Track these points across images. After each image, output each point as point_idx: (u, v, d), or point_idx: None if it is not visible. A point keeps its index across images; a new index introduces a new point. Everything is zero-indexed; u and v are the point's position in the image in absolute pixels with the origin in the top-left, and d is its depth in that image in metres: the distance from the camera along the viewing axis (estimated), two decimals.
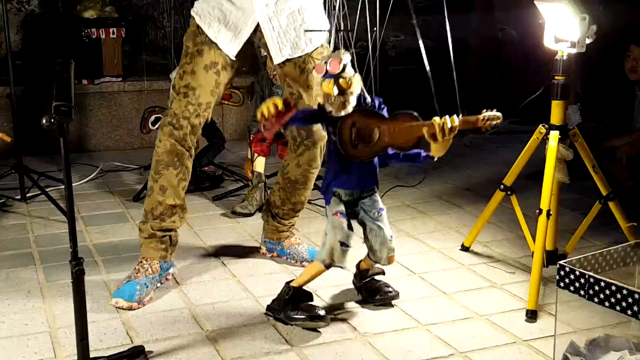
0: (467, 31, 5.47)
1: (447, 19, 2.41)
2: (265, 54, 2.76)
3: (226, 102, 4.05)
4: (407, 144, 2.31)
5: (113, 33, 4.80)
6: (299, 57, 2.62)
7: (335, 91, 2.25)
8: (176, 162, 2.59)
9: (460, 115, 2.27)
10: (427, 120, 2.26)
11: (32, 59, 4.85)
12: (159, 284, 2.62)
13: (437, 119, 2.24)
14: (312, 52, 2.63)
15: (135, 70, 5.05)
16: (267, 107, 2.20)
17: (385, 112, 2.35)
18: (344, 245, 2.33)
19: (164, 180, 2.59)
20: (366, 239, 2.44)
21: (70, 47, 4.72)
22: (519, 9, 4.46)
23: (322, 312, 2.37)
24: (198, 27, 2.57)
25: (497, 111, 2.27)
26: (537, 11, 2.60)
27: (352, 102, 2.29)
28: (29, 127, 3.76)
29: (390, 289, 2.54)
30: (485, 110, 2.28)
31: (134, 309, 2.49)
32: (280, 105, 2.20)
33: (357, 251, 2.56)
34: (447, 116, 2.23)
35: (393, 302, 2.56)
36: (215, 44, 2.55)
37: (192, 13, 2.62)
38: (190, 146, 2.61)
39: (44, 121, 1.80)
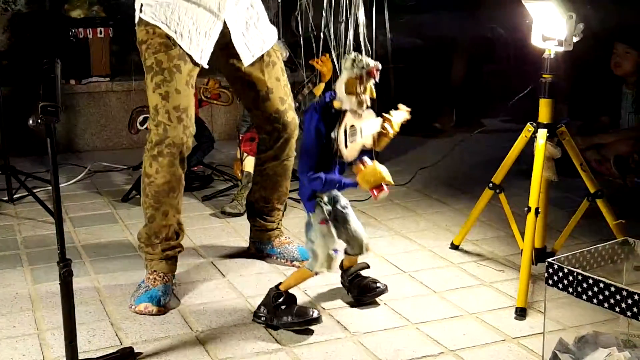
0: (456, 29, 5.49)
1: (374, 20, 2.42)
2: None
3: (215, 102, 4.04)
4: (372, 140, 2.32)
5: (101, 33, 4.77)
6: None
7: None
8: (175, 186, 2.52)
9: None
10: (381, 116, 2.32)
11: (19, 58, 4.83)
12: (172, 291, 2.59)
13: (385, 114, 2.32)
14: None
15: (123, 70, 5.02)
16: (381, 175, 2.20)
17: None
18: (336, 251, 2.32)
19: (166, 206, 2.53)
20: (341, 234, 2.40)
21: (58, 46, 4.69)
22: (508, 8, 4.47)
23: (316, 314, 2.35)
24: (167, 37, 2.43)
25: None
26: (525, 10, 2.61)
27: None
28: (16, 127, 3.73)
29: (378, 284, 2.55)
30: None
31: (162, 314, 2.47)
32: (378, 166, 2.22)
33: None
34: (392, 111, 2.33)
35: (383, 300, 2.56)
36: (188, 55, 2.46)
37: (153, 21, 2.43)
38: (185, 164, 2.55)
39: (31, 122, 1.79)
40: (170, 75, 2.44)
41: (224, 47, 2.56)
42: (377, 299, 2.57)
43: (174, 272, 2.63)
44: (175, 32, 2.44)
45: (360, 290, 2.54)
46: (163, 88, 2.44)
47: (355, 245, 2.45)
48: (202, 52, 2.48)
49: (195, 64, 2.50)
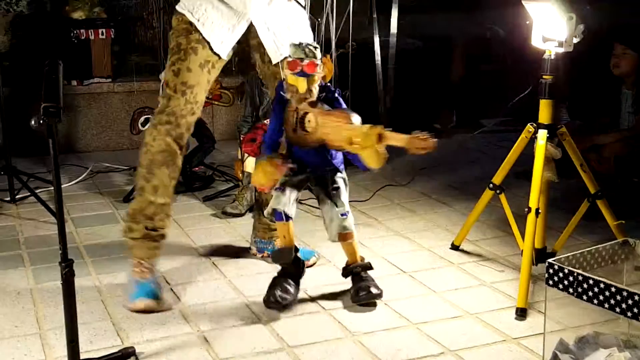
0: (456, 30, 5.49)
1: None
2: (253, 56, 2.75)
3: (216, 103, 4.05)
4: (335, 143, 2.33)
5: (102, 34, 4.79)
6: None
7: (304, 89, 2.31)
8: (169, 161, 2.57)
9: (390, 130, 2.23)
10: (355, 125, 2.26)
11: (21, 60, 4.83)
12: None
13: (363, 126, 2.24)
14: None
15: (124, 71, 5.04)
16: (261, 177, 2.37)
17: (339, 104, 2.40)
18: (277, 188, 2.45)
19: (157, 179, 2.57)
20: (324, 215, 2.51)
21: (59, 48, 4.70)
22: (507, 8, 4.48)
23: (280, 297, 2.48)
24: (190, 23, 2.55)
25: (429, 135, 2.14)
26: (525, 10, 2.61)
27: (312, 98, 2.35)
28: (18, 128, 3.74)
29: (372, 288, 2.54)
30: (416, 131, 2.16)
31: (161, 308, 2.49)
32: (270, 170, 2.37)
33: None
34: (374, 127, 2.21)
35: (383, 301, 2.57)
36: (208, 43, 2.54)
37: (181, 10, 2.57)
38: (183, 144, 2.60)
39: (33, 122, 1.80)
40: (186, 55, 2.54)
41: (258, 46, 2.64)
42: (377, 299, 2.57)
43: (156, 257, 2.63)
44: (198, 20, 2.54)
45: (356, 291, 2.55)
46: (177, 65, 2.55)
47: (328, 231, 2.51)
48: (221, 43, 2.56)
49: (216, 54, 2.56)
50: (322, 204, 2.50)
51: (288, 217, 2.48)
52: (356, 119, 2.28)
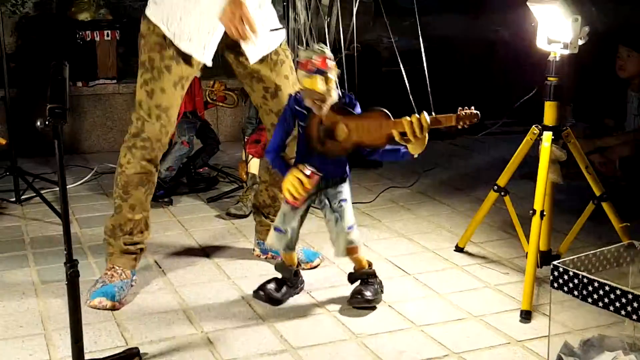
0: (460, 32, 5.49)
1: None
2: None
3: (220, 104, 4.05)
4: (376, 142, 2.32)
5: (107, 35, 4.80)
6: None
7: (322, 87, 2.27)
8: (145, 180, 2.59)
9: (432, 114, 2.25)
10: (397, 119, 2.26)
11: (26, 61, 4.85)
12: (130, 287, 2.63)
13: (407, 117, 2.24)
14: (280, 43, 2.67)
15: (129, 72, 5.04)
16: (294, 187, 2.31)
17: (357, 109, 2.38)
18: (277, 229, 2.48)
19: (134, 199, 2.59)
20: (330, 232, 2.50)
21: (65, 49, 4.71)
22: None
23: (269, 290, 2.55)
24: (164, 37, 2.48)
25: (474, 109, 2.25)
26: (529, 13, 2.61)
27: (332, 99, 2.32)
28: (23, 129, 3.76)
29: (367, 293, 2.52)
30: (461, 108, 2.24)
31: (116, 309, 2.51)
32: (304, 179, 2.30)
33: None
34: (416, 114, 2.23)
35: (387, 303, 2.57)
36: (183, 57, 2.49)
37: (154, 20, 2.49)
38: (158, 162, 2.62)
39: (39, 123, 1.80)
40: (159, 75, 2.50)
41: (233, 45, 2.59)
42: (383, 301, 2.57)
43: (133, 268, 2.66)
44: (174, 35, 2.48)
45: (351, 294, 2.55)
46: (150, 85, 2.51)
47: (335, 246, 2.49)
48: (204, 48, 2.51)
49: (192, 65, 2.52)
50: (328, 219, 2.48)
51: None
52: (388, 114, 2.29)
